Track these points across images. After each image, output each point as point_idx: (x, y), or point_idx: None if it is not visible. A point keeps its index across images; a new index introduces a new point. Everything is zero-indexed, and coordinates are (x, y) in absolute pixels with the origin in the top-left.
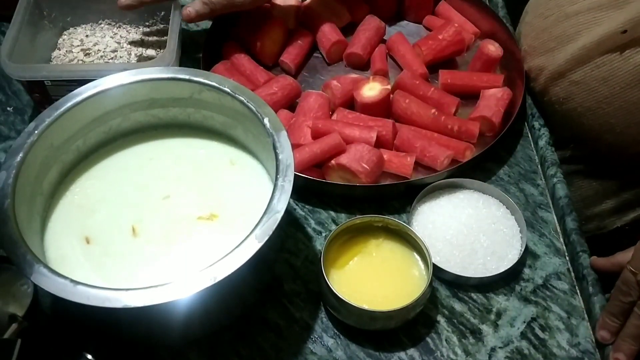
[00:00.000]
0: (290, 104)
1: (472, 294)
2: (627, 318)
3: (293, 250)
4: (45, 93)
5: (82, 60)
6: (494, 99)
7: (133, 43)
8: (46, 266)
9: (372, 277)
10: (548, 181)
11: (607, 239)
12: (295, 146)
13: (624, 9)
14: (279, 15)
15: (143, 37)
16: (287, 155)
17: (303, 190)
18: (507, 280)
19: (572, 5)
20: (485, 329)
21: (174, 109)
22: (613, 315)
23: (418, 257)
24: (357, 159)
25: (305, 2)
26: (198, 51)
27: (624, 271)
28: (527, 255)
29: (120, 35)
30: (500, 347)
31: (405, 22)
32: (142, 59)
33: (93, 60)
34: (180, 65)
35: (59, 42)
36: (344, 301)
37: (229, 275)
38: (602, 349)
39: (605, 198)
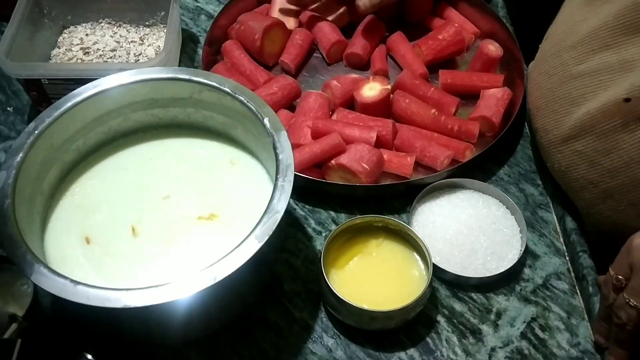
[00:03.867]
0: (290, 104)
1: (472, 294)
2: None
3: (293, 250)
4: (42, 91)
5: (81, 59)
6: (494, 99)
7: (133, 43)
8: (46, 266)
9: (372, 277)
10: (548, 181)
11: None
12: (295, 146)
13: (633, 72)
14: (279, 16)
15: (143, 37)
16: (287, 155)
17: (303, 190)
18: (507, 280)
19: (577, 65)
20: (485, 329)
21: (174, 109)
22: (602, 319)
23: (418, 257)
24: (357, 159)
25: (311, 7)
26: (198, 51)
27: (606, 274)
28: (527, 255)
29: (120, 35)
30: (500, 347)
31: (405, 22)
32: (141, 58)
33: (92, 59)
34: (180, 65)
35: (58, 40)
36: (344, 301)
37: (229, 275)
38: (603, 349)
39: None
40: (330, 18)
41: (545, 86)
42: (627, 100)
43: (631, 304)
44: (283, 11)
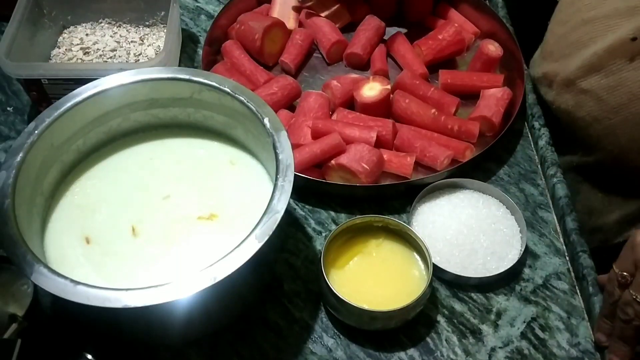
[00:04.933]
0: (290, 104)
1: (472, 294)
2: None
3: (293, 250)
4: (42, 91)
5: (81, 59)
6: (494, 99)
7: (133, 43)
8: (46, 266)
9: (372, 277)
10: (548, 181)
11: (610, 252)
12: (295, 146)
13: (638, 16)
14: (279, 16)
15: (143, 37)
16: (287, 155)
17: (303, 190)
18: (507, 280)
19: (589, 11)
20: (485, 329)
21: (174, 109)
22: (606, 317)
23: (418, 257)
24: (357, 159)
25: (307, 4)
26: (198, 51)
27: (610, 271)
28: (527, 255)
29: (120, 35)
30: (500, 347)
31: (405, 22)
32: (141, 58)
33: (92, 59)
34: (180, 65)
35: (59, 40)
36: (344, 301)
37: (229, 275)
38: (602, 349)
39: (610, 211)
40: (323, 14)
41: (559, 33)
42: (634, 39)
43: (638, 300)
44: (283, 11)
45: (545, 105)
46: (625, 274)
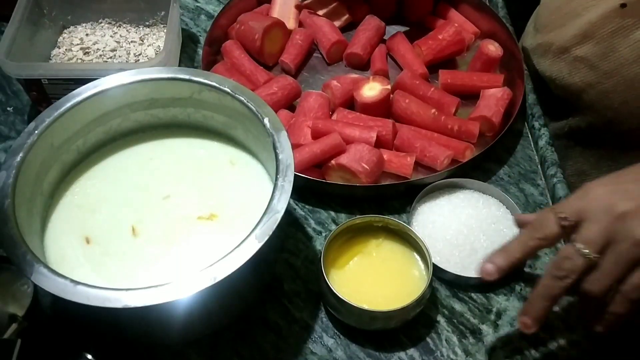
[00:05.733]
0: (290, 104)
1: (472, 294)
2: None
3: (293, 250)
4: (42, 91)
5: (81, 59)
6: (494, 98)
7: (133, 43)
8: (46, 266)
9: (372, 277)
10: (548, 181)
11: None
12: (295, 146)
13: None
14: (279, 16)
15: (143, 37)
16: (287, 155)
17: (303, 190)
18: (507, 280)
19: None
20: (485, 329)
21: (174, 109)
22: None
23: (418, 257)
24: (357, 159)
25: (305, 2)
26: (198, 51)
27: (545, 215)
28: None
29: (120, 35)
30: (500, 347)
31: (405, 22)
32: (141, 58)
33: (92, 59)
34: (180, 65)
35: (59, 40)
36: (344, 301)
37: (229, 275)
38: (602, 349)
39: (599, 172)
40: (321, 12)
41: (554, 5)
42: (623, 5)
43: (582, 252)
44: (283, 11)
45: (536, 75)
46: (566, 216)
